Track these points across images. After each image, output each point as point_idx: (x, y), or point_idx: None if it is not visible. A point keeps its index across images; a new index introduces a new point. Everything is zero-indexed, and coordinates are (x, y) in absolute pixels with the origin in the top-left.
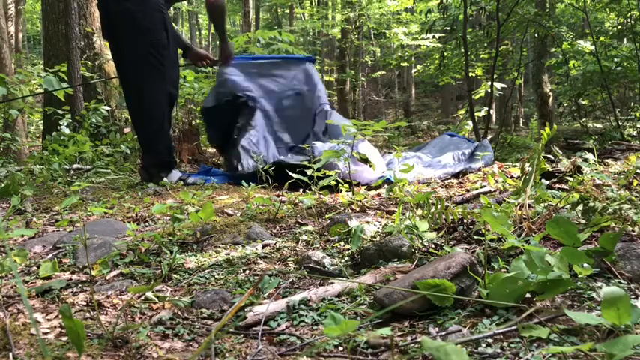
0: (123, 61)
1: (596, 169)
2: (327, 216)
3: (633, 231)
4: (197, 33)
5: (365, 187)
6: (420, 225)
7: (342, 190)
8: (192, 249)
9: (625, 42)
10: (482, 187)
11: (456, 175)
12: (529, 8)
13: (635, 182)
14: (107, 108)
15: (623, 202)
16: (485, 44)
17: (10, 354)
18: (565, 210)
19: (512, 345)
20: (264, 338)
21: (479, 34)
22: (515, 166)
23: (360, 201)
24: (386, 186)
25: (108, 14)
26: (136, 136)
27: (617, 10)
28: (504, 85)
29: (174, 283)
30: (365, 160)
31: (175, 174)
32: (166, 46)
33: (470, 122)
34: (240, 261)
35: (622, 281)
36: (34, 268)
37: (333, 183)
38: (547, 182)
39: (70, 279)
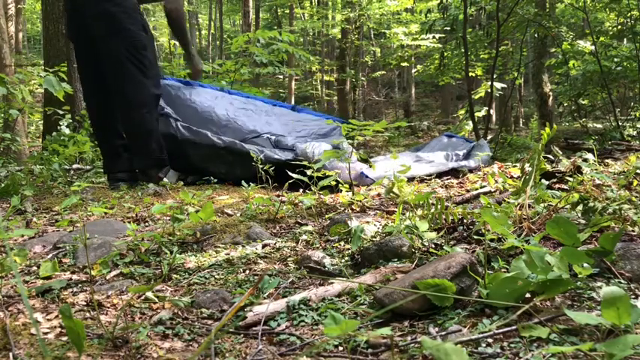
0: (101, 63)
1: (596, 169)
2: (327, 216)
3: (633, 231)
4: (197, 33)
5: (365, 187)
6: (420, 225)
7: (342, 190)
8: (192, 249)
9: (625, 42)
10: (482, 187)
11: (455, 175)
12: (529, 8)
13: (635, 182)
14: None
15: (623, 202)
16: (486, 44)
17: (10, 354)
18: (565, 210)
19: (512, 345)
20: (264, 338)
21: (479, 34)
22: (515, 166)
23: (360, 201)
24: (385, 183)
25: (83, 15)
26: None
27: (617, 10)
28: (504, 85)
29: (174, 283)
30: (365, 160)
31: (173, 173)
32: (146, 46)
33: (470, 122)
34: (240, 261)
35: (622, 281)
36: (34, 268)
37: (333, 183)
38: (547, 182)
39: (70, 279)
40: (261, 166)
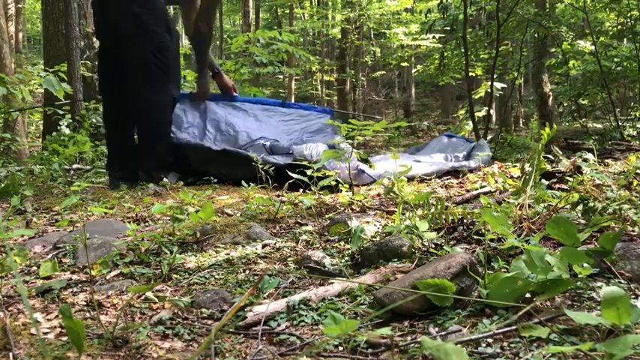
0: (125, 63)
1: (596, 169)
2: (327, 216)
3: (633, 231)
4: None
5: (365, 186)
6: (420, 225)
7: (342, 190)
8: (192, 249)
9: (625, 42)
10: (482, 187)
11: (455, 175)
12: (529, 8)
13: (635, 182)
14: None
15: (623, 202)
16: (486, 44)
17: (10, 354)
18: (565, 210)
19: (512, 345)
20: (264, 338)
21: (479, 34)
22: (515, 166)
23: (360, 201)
24: (385, 183)
25: (111, 16)
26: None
27: (617, 10)
28: (504, 85)
29: (174, 283)
30: (365, 160)
31: (173, 174)
32: (169, 48)
33: (470, 122)
34: (240, 261)
35: (622, 281)
36: (34, 268)
37: (333, 183)
38: (547, 182)
39: (70, 279)
40: (261, 166)
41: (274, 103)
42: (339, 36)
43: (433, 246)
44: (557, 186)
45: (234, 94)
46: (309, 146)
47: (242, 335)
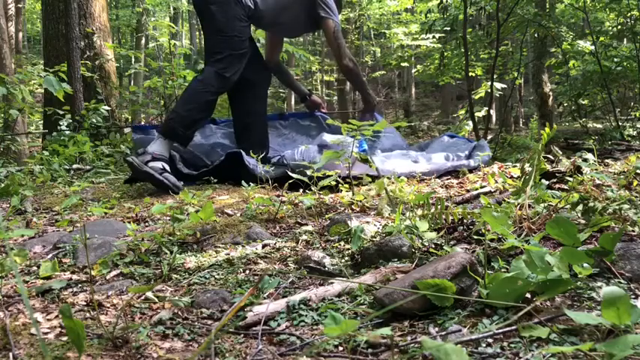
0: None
1: (596, 169)
2: (327, 216)
3: (633, 231)
4: (197, 33)
5: (365, 186)
6: (420, 225)
7: (342, 190)
8: (192, 249)
9: (625, 42)
10: (482, 187)
11: (455, 175)
12: (529, 8)
13: (635, 182)
14: (107, 108)
15: (623, 202)
16: (486, 44)
17: (10, 354)
18: (565, 210)
19: (512, 345)
20: (264, 338)
21: (479, 34)
22: (515, 166)
23: (360, 201)
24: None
25: None
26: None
27: (617, 10)
28: (504, 85)
29: (174, 283)
30: (365, 160)
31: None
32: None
33: (470, 122)
34: (240, 261)
35: (622, 281)
36: (34, 268)
37: (333, 183)
38: (547, 182)
39: (70, 279)
40: (262, 166)
41: (271, 118)
42: None
43: (433, 246)
44: (557, 186)
45: (323, 110)
46: (300, 150)
47: (242, 335)
